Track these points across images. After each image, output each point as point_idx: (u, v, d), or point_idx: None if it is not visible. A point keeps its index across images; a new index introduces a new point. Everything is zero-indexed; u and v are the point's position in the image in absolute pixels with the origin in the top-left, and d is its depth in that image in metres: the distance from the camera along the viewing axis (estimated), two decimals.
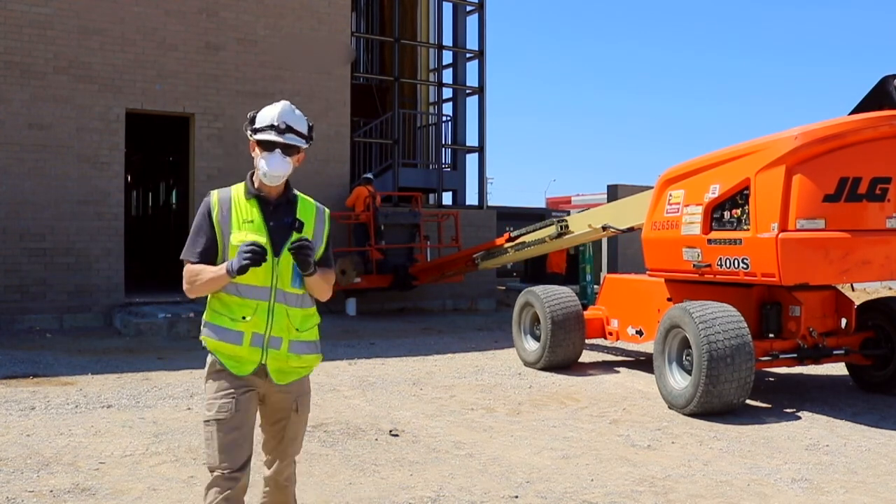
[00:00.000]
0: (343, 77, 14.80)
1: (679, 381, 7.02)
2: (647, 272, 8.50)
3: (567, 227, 10.19)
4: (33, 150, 12.19)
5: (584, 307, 9.50)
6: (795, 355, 7.29)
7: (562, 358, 8.98)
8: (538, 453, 5.69)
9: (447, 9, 18.21)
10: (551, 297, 9.10)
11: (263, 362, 3.28)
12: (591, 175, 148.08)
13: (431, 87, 19.53)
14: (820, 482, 5.12)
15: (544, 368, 9.01)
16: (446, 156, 18.44)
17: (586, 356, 9.68)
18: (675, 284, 8.14)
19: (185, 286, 3.32)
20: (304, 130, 3.35)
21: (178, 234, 14.95)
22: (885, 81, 7.03)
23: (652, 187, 8.43)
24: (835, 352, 7.40)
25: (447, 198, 17.96)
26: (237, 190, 3.39)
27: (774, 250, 6.66)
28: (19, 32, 12.07)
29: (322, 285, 3.45)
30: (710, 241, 7.34)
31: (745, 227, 7.02)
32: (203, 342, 3.36)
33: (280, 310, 3.30)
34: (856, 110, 7.17)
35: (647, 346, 8.95)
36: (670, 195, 7.92)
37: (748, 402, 7.10)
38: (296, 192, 3.44)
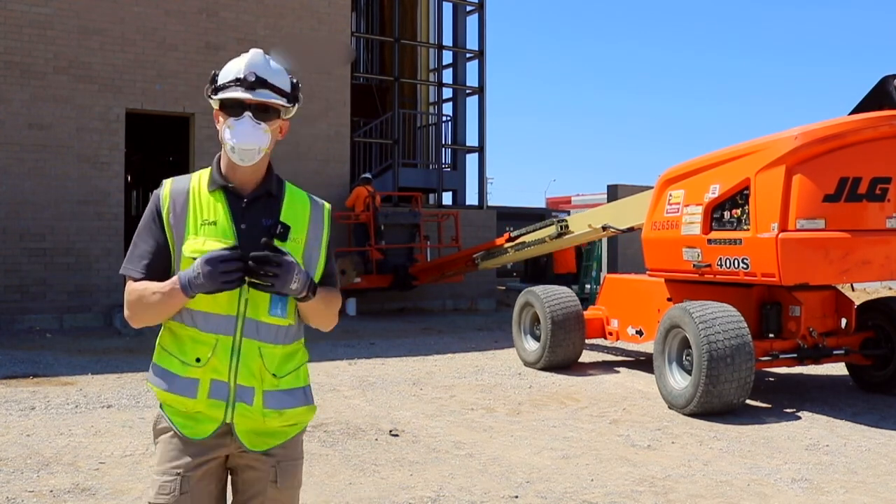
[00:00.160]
0: (343, 77, 14.81)
1: (679, 381, 7.02)
2: (647, 272, 8.50)
3: (567, 227, 10.19)
4: (33, 150, 12.19)
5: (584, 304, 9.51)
6: (795, 355, 7.29)
7: (562, 358, 8.98)
8: (538, 453, 5.69)
9: (447, 9, 18.22)
10: (551, 297, 9.10)
11: (229, 421, 2.35)
12: (591, 175, 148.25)
13: (431, 87, 19.54)
14: (820, 482, 5.12)
15: (544, 368, 9.01)
16: (446, 156, 18.45)
17: (586, 356, 9.68)
18: (675, 284, 8.14)
19: (125, 312, 2.40)
20: (285, 87, 2.43)
21: None
22: (885, 81, 7.03)
23: (652, 187, 8.43)
24: (835, 352, 7.40)
25: (447, 198, 17.97)
26: (198, 179, 2.45)
27: (774, 250, 6.66)
28: (19, 32, 12.07)
29: (323, 312, 2.50)
30: (710, 241, 7.34)
31: (745, 227, 7.02)
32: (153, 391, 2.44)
33: (250, 348, 2.34)
34: (856, 110, 7.18)
35: (647, 346, 8.95)
36: (670, 195, 7.92)
37: (748, 402, 7.10)
38: (282, 180, 2.53)
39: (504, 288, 17.80)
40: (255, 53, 2.41)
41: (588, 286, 16.59)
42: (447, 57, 18.50)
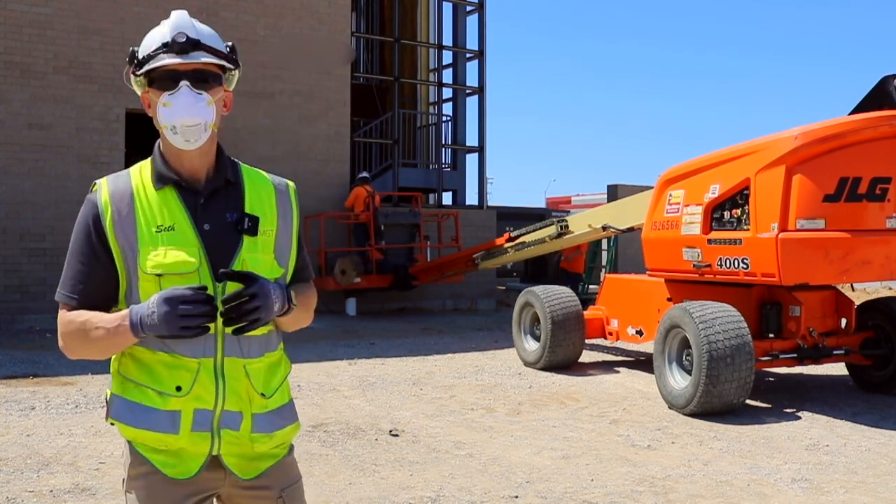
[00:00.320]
0: (343, 77, 14.81)
1: (679, 381, 7.02)
2: (647, 272, 8.50)
3: (567, 227, 10.19)
4: (33, 150, 12.20)
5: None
6: (795, 355, 7.29)
7: (562, 358, 8.98)
8: (538, 453, 5.69)
9: (447, 9, 18.23)
10: (551, 297, 9.10)
11: (216, 453, 2.03)
12: (591, 175, 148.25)
13: (431, 87, 19.55)
14: (820, 482, 5.12)
15: (544, 368, 9.01)
16: (446, 156, 18.46)
17: (586, 356, 9.68)
18: (675, 284, 8.14)
19: (59, 342, 2.09)
20: (221, 47, 2.08)
21: None
22: (885, 81, 7.03)
23: (652, 187, 8.43)
24: (835, 352, 7.40)
25: (447, 198, 17.97)
26: (139, 176, 2.04)
27: (774, 250, 6.66)
28: (19, 32, 12.08)
29: (302, 317, 2.18)
30: (710, 241, 7.34)
31: (745, 227, 7.02)
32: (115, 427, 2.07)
33: (234, 367, 2.02)
34: (856, 110, 7.17)
35: (647, 346, 8.95)
36: (670, 195, 7.92)
37: (748, 402, 7.10)
38: (235, 162, 2.14)
39: (504, 288, 17.80)
40: (180, 14, 2.07)
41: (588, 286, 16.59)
42: (447, 57, 18.50)
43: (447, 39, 18.18)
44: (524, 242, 11.06)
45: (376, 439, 5.98)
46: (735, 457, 5.65)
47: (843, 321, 7.67)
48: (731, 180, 7.18)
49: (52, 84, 12.29)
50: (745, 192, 7.04)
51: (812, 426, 6.53)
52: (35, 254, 12.18)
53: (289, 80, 14.13)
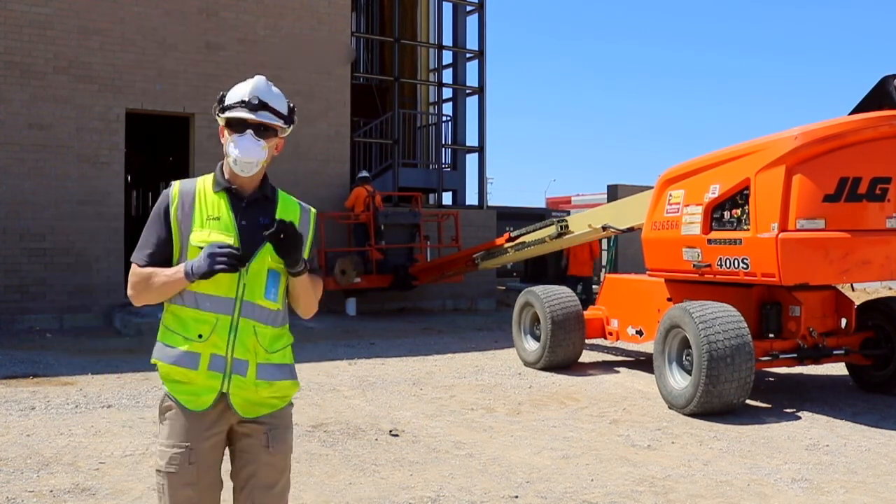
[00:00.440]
0: (343, 77, 14.80)
1: (679, 381, 7.02)
2: (647, 272, 8.50)
3: (567, 227, 10.19)
4: (33, 150, 12.19)
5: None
6: (795, 355, 7.29)
7: (562, 358, 8.98)
8: (538, 453, 5.69)
9: (447, 9, 18.22)
10: (551, 297, 9.10)
11: (225, 391, 2.69)
12: (591, 175, 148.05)
13: (431, 87, 19.54)
14: (820, 482, 5.12)
15: (544, 368, 9.01)
16: (446, 156, 18.45)
17: (586, 356, 9.68)
18: (675, 284, 8.14)
19: (129, 291, 2.78)
20: (283, 110, 2.80)
21: None
22: (885, 81, 7.03)
23: (652, 187, 8.43)
24: (835, 352, 7.40)
25: (447, 198, 17.97)
26: (204, 182, 2.83)
27: (774, 250, 6.66)
28: (19, 32, 12.07)
29: (310, 293, 2.85)
30: (710, 241, 7.34)
31: (745, 227, 7.02)
32: (156, 367, 2.80)
33: (246, 326, 2.71)
34: (856, 110, 7.17)
35: (647, 346, 8.95)
36: (670, 195, 7.92)
37: (748, 402, 7.10)
38: (275, 188, 2.91)
39: (504, 288, 17.79)
40: (259, 80, 2.79)
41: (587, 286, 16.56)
42: (447, 57, 18.50)
43: (447, 39, 18.17)
44: (524, 242, 11.06)
45: (376, 439, 5.98)
46: (735, 457, 5.65)
47: (843, 321, 7.67)
48: (731, 180, 7.18)
49: (52, 84, 12.28)
50: (745, 192, 7.04)
51: (812, 426, 6.53)
52: (35, 254, 12.17)
53: (289, 80, 14.12)
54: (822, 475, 5.26)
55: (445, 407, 7.15)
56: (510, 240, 11.41)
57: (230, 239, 2.70)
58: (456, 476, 5.14)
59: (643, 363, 9.40)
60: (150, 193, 25.01)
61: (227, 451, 2.83)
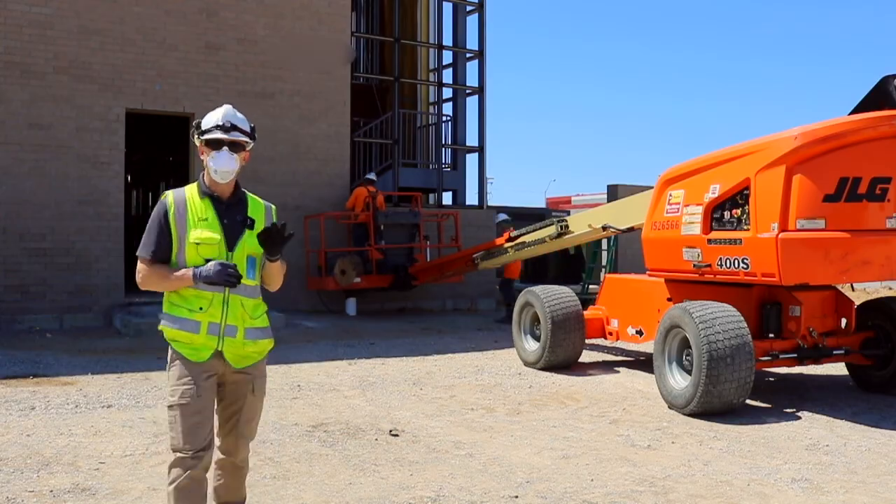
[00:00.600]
0: (343, 77, 14.81)
1: (679, 381, 7.02)
2: (647, 272, 8.50)
3: (567, 227, 10.19)
4: (33, 150, 12.20)
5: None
6: (795, 355, 7.29)
7: (562, 358, 8.98)
8: (538, 453, 5.69)
9: (447, 9, 18.23)
10: (551, 297, 9.10)
11: (220, 349, 3.52)
12: (591, 175, 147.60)
13: (431, 87, 19.54)
14: (820, 482, 5.12)
15: (544, 368, 9.01)
16: (446, 156, 18.45)
17: (586, 356, 9.68)
18: (675, 284, 8.13)
19: (139, 279, 3.57)
20: (248, 129, 3.63)
21: None
22: (885, 81, 7.02)
23: (652, 187, 8.43)
24: (835, 352, 7.39)
25: (447, 198, 17.97)
26: (191, 190, 3.62)
27: (774, 250, 6.66)
28: (19, 32, 12.08)
29: (280, 274, 3.73)
30: (710, 241, 7.33)
31: (745, 227, 7.02)
32: (162, 332, 3.57)
33: (235, 301, 3.54)
34: (856, 110, 7.17)
35: (647, 346, 8.95)
36: (670, 195, 7.92)
37: (748, 402, 7.10)
38: (245, 191, 3.70)
39: None
40: (227, 107, 3.63)
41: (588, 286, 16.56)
42: (447, 57, 18.50)
43: (447, 39, 18.17)
44: (524, 242, 11.06)
45: (376, 439, 5.98)
46: (735, 457, 5.65)
47: (843, 321, 7.67)
48: (732, 180, 7.17)
49: (52, 84, 12.28)
50: (746, 192, 7.03)
51: (812, 426, 6.53)
52: (35, 254, 12.17)
53: (289, 79, 14.13)
54: (822, 475, 5.26)
55: (445, 407, 7.15)
56: (510, 240, 11.41)
57: (217, 235, 3.52)
58: (456, 476, 5.14)
59: (643, 363, 9.40)
60: (150, 193, 25.01)
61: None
